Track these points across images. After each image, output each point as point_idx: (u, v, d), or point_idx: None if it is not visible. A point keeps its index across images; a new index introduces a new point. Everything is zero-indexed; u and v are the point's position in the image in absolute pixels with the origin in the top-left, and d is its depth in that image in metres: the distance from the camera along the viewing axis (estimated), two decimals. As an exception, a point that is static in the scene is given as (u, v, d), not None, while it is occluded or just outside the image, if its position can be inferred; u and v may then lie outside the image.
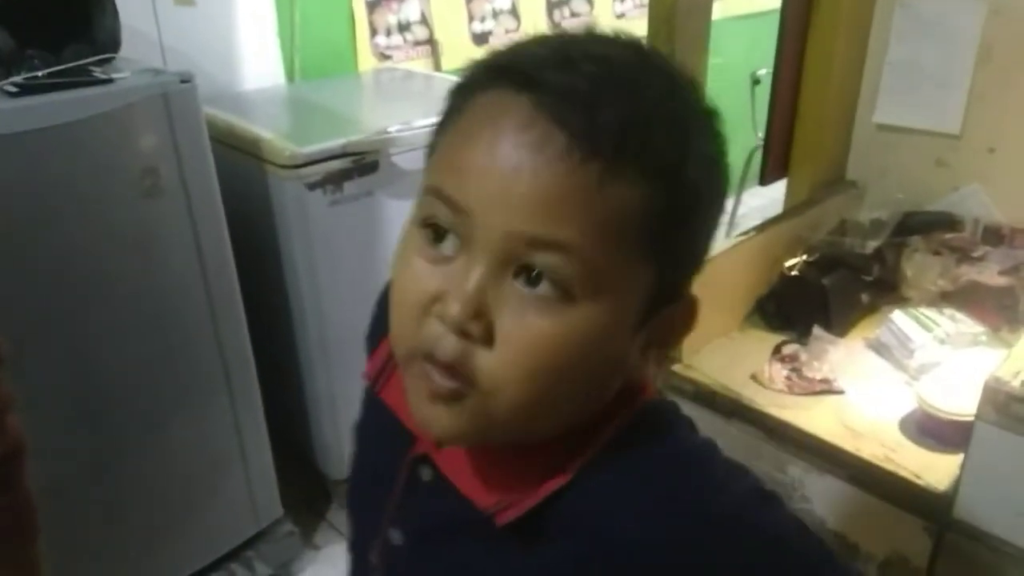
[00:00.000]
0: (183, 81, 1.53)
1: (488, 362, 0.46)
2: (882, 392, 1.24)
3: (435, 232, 0.48)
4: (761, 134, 3.43)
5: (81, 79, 1.51)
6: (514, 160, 0.44)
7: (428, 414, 0.49)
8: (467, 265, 0.46)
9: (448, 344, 0.46)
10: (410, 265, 0.48)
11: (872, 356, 1.32)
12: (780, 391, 1.24)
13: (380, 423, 0.62)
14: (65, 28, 1.61)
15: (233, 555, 1.97)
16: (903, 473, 1.08)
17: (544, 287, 0.45)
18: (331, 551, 2.11)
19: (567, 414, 0.50)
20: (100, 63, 1.58)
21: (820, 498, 1.16)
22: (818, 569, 0.53)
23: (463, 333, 0.46)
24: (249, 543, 1.99)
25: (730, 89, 3.33)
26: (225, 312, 1.73)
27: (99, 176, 1.48)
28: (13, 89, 1.45)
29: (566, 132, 0.43)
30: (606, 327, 0.47)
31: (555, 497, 0.51)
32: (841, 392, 1.23)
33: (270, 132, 1.85)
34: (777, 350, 1.33)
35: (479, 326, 0.46)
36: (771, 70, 1.58)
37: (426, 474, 0.57)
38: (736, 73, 3.47)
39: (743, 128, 3.64)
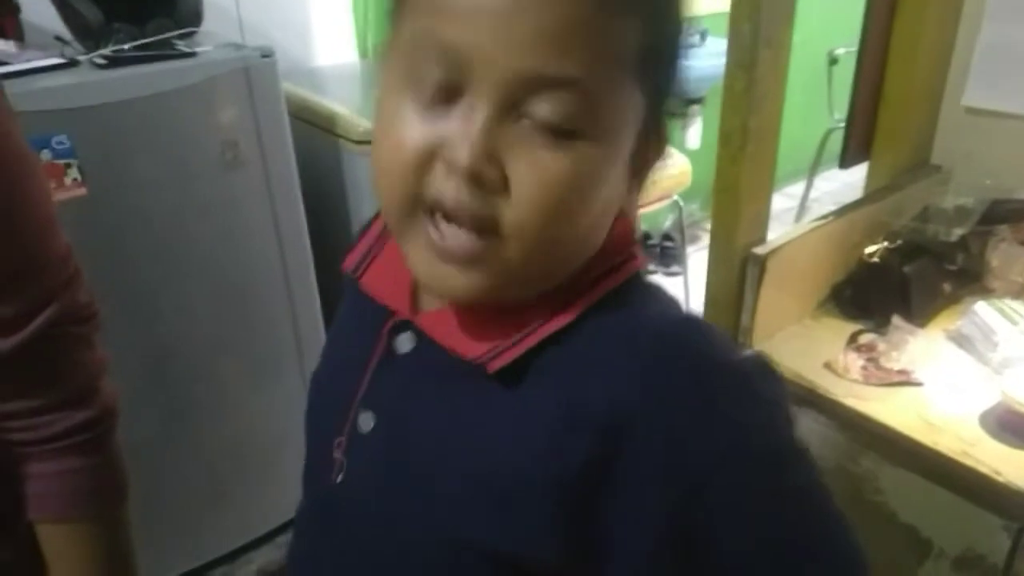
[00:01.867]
0: (264, 56, 1.56)
1: (507, 209, 0.46)
2: (962, 385, 1.20)
3: (428, 85, 0.46)
4: (838, 115, 3.36)
5: (165, 52, 1.56)
6: None
7: (443, 273, 0.48)
8: (469, 110, 0.45)
9: (464, 194, 0.45)
10: (399, 122, 0.47)
11: (953, 348, 1.28)
12: (855, 381, 1.22)
13: (353, 316, 0.64)
14: (149, 2, 1.65)
15: (288, 527, 2.02)
16: (982, 469, 1.05)
17: (553, 124, 0.45)
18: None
19: (573, 258, 0.50)
20: (183, 37, 1.63)
21: (894, 491, 1.14)
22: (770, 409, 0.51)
23: (476, 180, 0.45)
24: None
25: (806, 68, 3.24)
26: (300, 284, 1.77)
27: (181, 147, 1.52)
28: (101, 61, 1.49)
29: None
30: (609, 159, 0.48)
31: (541, 348, 0.51)
32: (919, 384, 1.20)
33: (344, 107, 1.87)
34: (853, 339, 1.29)
35: (493, 170, 0.45)
36: (849, 49, 1.54)
37: (404, 345, 0.57)
38: (813, 52, 3.37)
39: (818, 109, 3.54)
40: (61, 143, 1.35)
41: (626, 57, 0.46)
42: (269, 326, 1.77)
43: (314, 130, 1.89)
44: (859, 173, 1.64)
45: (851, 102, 1.55)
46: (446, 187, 0.46)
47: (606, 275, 0.53)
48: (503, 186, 0.45)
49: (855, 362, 1.25)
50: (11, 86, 1.36)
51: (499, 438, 0.51)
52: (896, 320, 1.29)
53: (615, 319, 0.51)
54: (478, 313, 0.52)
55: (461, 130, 0.44)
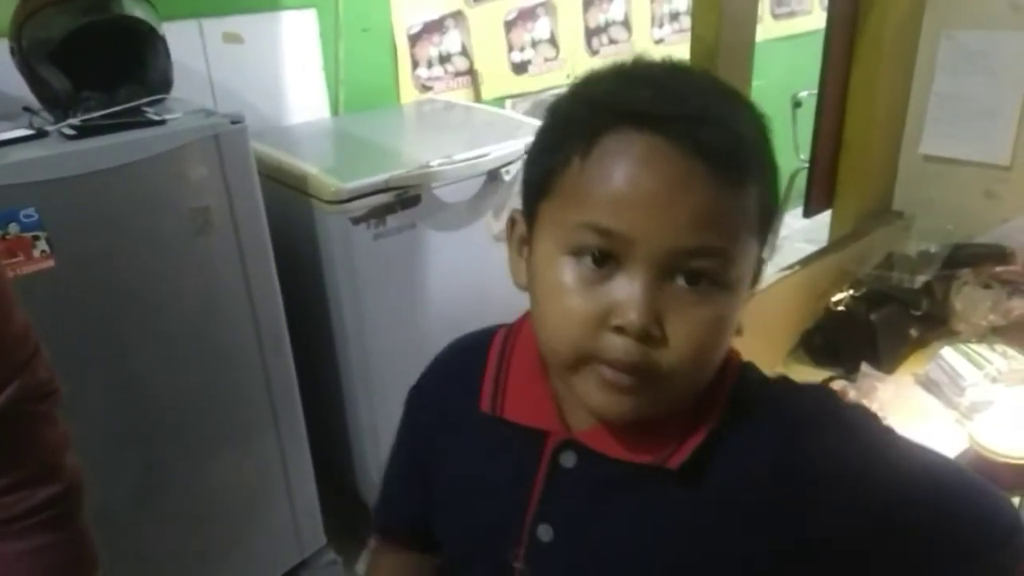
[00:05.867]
0: (234, 122, 1.56)
1: (665, 356, 0.55)
2: (933, 432, 1.21)
3: (590, 259, 0.55)
4: (803, 156, 3.42)
5: (135, 120, 1.55)
6: (666, 191, 0.53)
7: (609, 402, 0.57)
8: (630, 280, 0.54)
9: (633, 349, 0.54)
10: (568, 289, 0.56)
11: (922, 393, 1.30)
12: (828, 430, 1.23)
13: (497, 442, 0.68)
14: (119, 69, 1.66)
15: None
16: (956, 517, 1.05)
17: (704, 284, 0.55)
18: (374, 579, 2.12)
19: (708, 379, 0.59)
20: (153, 103, 1.63)
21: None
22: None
23: (645, 338, 0.54)
24: (292, 572, 2.01)
25: (771, 111, 3.27)
26: (272, 346, 1.76)
27: (152, 216, 1.51)
28: (71, 132, 1.49)
29: (704, 162, 0.53)
30: (740, 300, 0.58)
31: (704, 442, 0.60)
32: (890, 432, 1.21)
33: (316, 167, 1.88)
34: (824, 387, 1.31)
35: (658, 328, 0.54)
36: (812, 92, 1.58)
37: (568, 460, 0.64)
38: (777, 95, 3.44)
39: (785, 150, 3.61)
40: (29, 216, 1.34)
41: (753, 222, 0.57)
42: (243, 388, 1.75)
43: (286, 190, 1.90)
44: (829, 212, 1.67)
45: (811, 152, 1.59)
46: (617, 345, 0.55)
47: (725, 379, 0.62)
48: (664, 339, 0.55)
49: (827, 411, 1.26)
50: (-21, 160, 1.36)
51: (681, 525, 0.61)
52: (865, 367, 1.31)
53: (749, 405, 0.62)
54: (630, 427, 0.61)
55: (628, 298, 0.54)
